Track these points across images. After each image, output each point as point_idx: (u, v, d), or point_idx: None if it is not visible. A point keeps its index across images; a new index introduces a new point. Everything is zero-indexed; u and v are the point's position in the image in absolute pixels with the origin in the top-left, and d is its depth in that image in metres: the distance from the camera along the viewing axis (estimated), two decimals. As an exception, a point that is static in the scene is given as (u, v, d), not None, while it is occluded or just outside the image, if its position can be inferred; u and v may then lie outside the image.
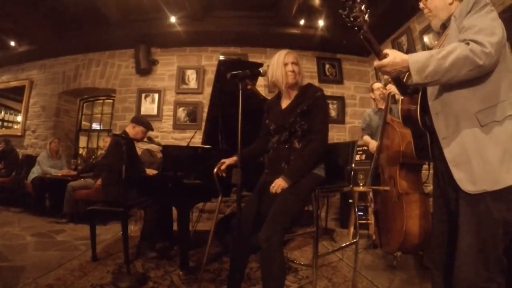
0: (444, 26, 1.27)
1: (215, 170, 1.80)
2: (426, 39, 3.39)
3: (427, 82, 1.07)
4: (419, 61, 1.05)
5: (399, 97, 2.99)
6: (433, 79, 1.04)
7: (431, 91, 1.21)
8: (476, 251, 1.04)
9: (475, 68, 1.01)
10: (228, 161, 1.79)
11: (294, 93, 1.70)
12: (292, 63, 1.65)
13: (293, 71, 1.64)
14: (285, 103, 1.73)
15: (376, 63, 1.13)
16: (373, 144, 2.85)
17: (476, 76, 1.04)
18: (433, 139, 1.28)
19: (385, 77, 1.19)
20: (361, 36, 1.09)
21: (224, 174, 1.80)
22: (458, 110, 1.11)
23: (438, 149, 1.21)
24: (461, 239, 1.09)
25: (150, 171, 2.85)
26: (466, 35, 1.05)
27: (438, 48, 1.18)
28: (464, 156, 1.08)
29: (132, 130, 2.81)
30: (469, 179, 1.06)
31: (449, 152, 1.12)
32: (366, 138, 3.04)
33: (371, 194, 2.99)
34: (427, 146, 1.33)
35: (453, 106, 1.12)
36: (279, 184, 1.53)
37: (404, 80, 1.32)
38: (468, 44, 1.01)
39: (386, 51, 1.12)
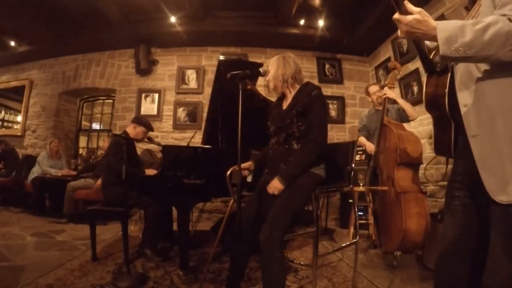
0: (474, 0, 1.11)
1: (229, 172, 1.82)
2: (426, 39, 3.39)
3: (456, 57, 0.88)
4: (451, 29, 0.87)
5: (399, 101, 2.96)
6: (466, 53, 0.86)
7: (460, 78, 1.04)
8: (508, 268, 0.92)
9: None
10: (243, 165, 1.80)
11: (293, 94, 1.69)
12: (267, 72, 1.69)
13: (267, 80, 1.71)
14: (285, 104, 1.72)
15: (397, 15, 0.93)
16: (369, 146, 2.86)
17: None
18: (460, 132, 1.10)
19: (399, 33, 0.99)
20: None
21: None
22: (492, 103, 0.94)
23: (464, 145, 1.05)
24: (492, 256, 0.96)
25: (150, 171, 2.84)
26: (504, 11, 0.89)
27: None
28: (498, 160, 0.92)
29: (133, 131, 2.81)
30: (501, 186, 0.91)
31: (480, 153, 0.96)
32: (362, 139, 3.03)
33: (370, 195, 2.99)
34: (449, 139, 1.16)
35: (487, 98, 0.95)
36: (275, 186, 1.54)
37: (431, 56, 1.16)
38: (510, 20, 0.85)
39: (413, 9, 0.92)
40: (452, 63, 1.10)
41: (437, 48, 0.92)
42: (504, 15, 0.87)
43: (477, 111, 0.97)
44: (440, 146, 1.25)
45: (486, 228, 0.99)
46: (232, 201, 2.02)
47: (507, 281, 0.92)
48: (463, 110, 1.01)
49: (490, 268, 0.97)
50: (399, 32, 0.98)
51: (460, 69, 1.05)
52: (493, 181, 0.93)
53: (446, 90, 1.10)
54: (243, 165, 1.80)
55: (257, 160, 1.84)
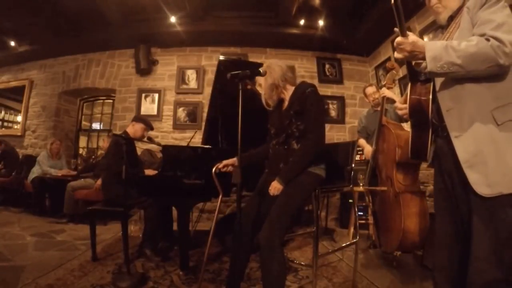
0: (451, 18, 1.21)
1: (214, 169, 1.82)
2: (426, 39, 3.39)
3: (442, 73, 1.02)
4: (437, 49, 1.01)
5: (399, 101, 2.97)
6: (450, 70, 1.00)
7: (441, 85, 1.14)
8: (491, 255, 1.00)
9: (494, 66, 0.97)
10: (226, 161, 1.82)
11: (288, 94, 1.69)
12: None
13: (262, 95, 1.71)
14: (283, 106, 1.73)
15: (400, 39, 1.07)
16: (368, 150, 2.86)
17: (494, 74, 1.01)
18: (438, 135, 1.22)
19: (396, 55, 1.13)
20: (392, 3, 0.98)
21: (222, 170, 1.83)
22: (472, 107, 1.05)
23: (445, 146, 1.16)
24: (475, 243, 1.05)
25: (150, 172, 2.85)
26: (483, 29, 1.01)
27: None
28: (480, 157, 1.02)
29: (132, 128, 2.81)
30: (484, 181, 1.01)
31: (463, 152, 1.06)
32: (362, 142, 3.03)
33: (369, 195, 2.99)
34: (425, 144, 1.26)
35: (467, 102, 1.06)
36: (275, 187, 1.54)
37: (413, 64, 1.25)
38: (488, 40, 0.97)
39: (409, 33, 1.08)
40: None
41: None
42: (483, 34, 1.00)
43: (459, 114, 1.09)
44: (416, 150, 1.34)
45: (470, 221, 1.09)
46: (219, 199, 2.00)
47: (488, 279, 1.01)
48: (445, 114, 1.12)
49: (475, 257, 1.05)
50: (399, 53, 1.11)
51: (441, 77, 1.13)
52: (477, 176, 1.03)
53: (430, 97, 1.20)
54: (227, 161, 1.81)
55: (245, 158, 1.79)
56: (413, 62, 1.23)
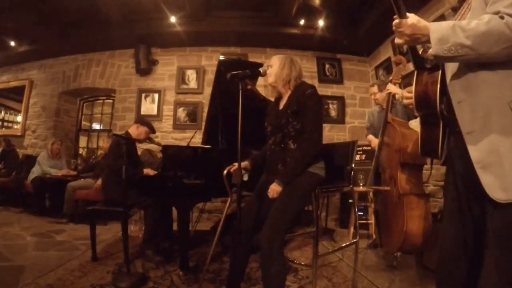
0: None
1: (225, 172, 1.82)
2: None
3: (449, 56, 0.89)
4: (442, 30, 0.89)
5: (399, 96, 2.97)
6: (458, 53, 0.87)
7: (451, 74, 1.01)
8: (503, 268, 0.91)
9: (511, 46, 0.85)
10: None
11: (288, 93, 1.69)
12: (268, 66, 1.71)
13: (268, 73, 1.71)
14: (281, 104, 1.72)
15: (398, 21, 0.96)
16: (375, 143, 2.83)
17: (510, 57, 0.88)
18: (449, 131, 1.10)
19: (396, 40, 1.01)
20: None
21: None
22: (487, 98, 0.92)
23: (457, 145, 1.04)
24: (488, 253, 0.95)
25: (149, 171, 2.83)
26: (497, 7, 0.88)
27: None
28: (495, 156, 0.89)
29: (136, 131, 2.82)
30: (499, 185, 0.88)
31: (476, 151, 0.93)
32: (370, 137, 3.01)
33: (371, 194, 2.98)
34: (436, 139, 1.14)
35: (481, 93, 0.93)
36: (273, 189, 1.54)
37: (420, 52, 1.15)
38: (502, 18, 0.85)
39: (409, 14, 0.96)
40: None
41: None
42: (497, 12, 0.87)
43: (471, 107, 0.95)
44: (427, 146, 1.22)
45: (483, 229, 0.99)
46: (229, 200, 2.01)
47: (502, 280, 0.92)
48: (456, 106, 0.99)
49: (487, 268, 0.98)
50: (399, 38, 0.99)
51: (452, 64, 1.03)
52: (491, 179, 0.90)
53: (438, 86, 1.07)
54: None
55: (254, 160, 1.83)
56: (421, 50, 1.14)
